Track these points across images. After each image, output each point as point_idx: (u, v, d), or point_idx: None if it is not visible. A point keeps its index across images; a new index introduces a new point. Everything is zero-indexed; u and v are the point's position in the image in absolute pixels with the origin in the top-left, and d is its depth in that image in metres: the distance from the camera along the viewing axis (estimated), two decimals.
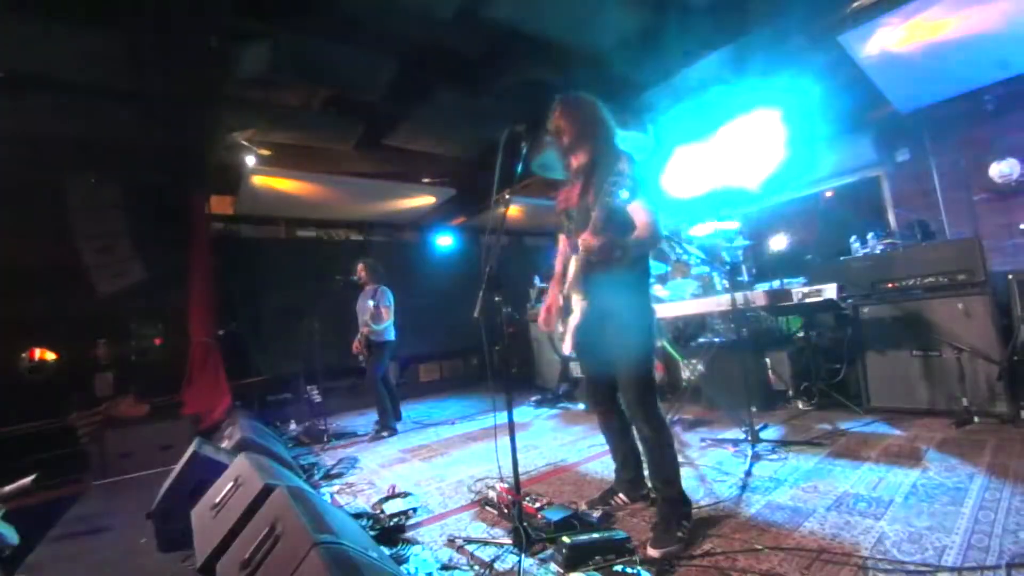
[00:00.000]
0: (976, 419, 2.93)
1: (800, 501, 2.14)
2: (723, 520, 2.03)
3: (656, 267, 4.50)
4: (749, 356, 3.71)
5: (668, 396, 4.38)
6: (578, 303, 1.95)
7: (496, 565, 1.87)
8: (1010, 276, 3.05)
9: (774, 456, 2.75)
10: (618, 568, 1.70)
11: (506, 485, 2.33)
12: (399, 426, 4.73)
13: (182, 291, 5.09)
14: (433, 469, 3.30)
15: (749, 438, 2.81)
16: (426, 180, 6.42)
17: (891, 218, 5.29)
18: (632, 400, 1.93)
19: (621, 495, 2.28)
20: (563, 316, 2.07)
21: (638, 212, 1.87)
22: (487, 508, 2.42)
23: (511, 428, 1.89)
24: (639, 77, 4.27)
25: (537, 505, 2.17)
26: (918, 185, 5.04)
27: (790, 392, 3.91)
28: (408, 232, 8.07)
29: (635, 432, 2.10)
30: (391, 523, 2.33)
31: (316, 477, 3.37)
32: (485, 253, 1.86)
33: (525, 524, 1.88)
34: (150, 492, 2.64)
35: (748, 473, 2.52)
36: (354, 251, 6.37)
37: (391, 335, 4.68)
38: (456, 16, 3.34)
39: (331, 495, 2.92)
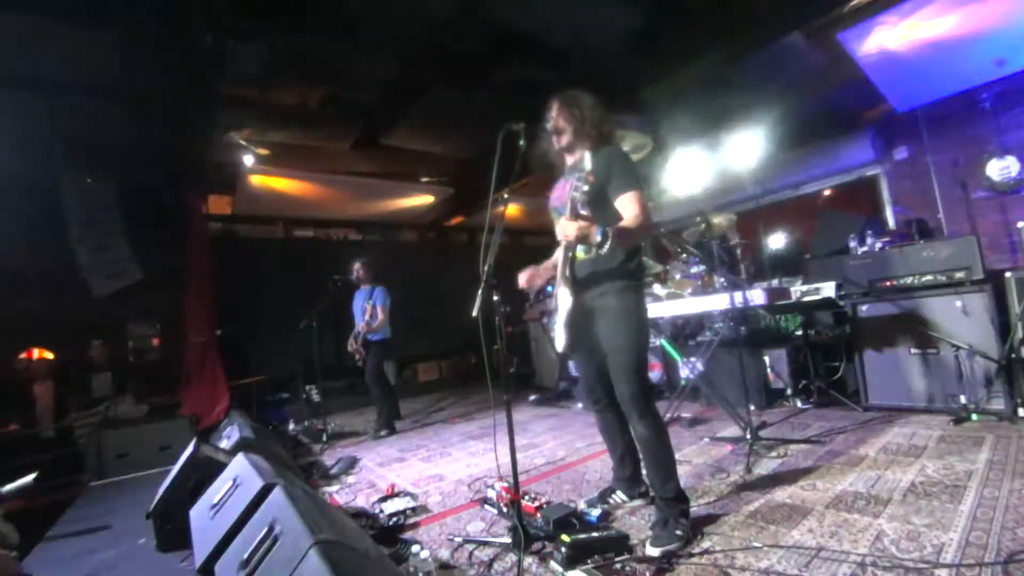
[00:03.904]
0: (974, 416, 2.93)
1: (799, 499, 2.14)
2: (722, 518, 2.03)
3: (655, 266, 4.50)
4: (748, 354, 3.72)
5: (667, 394, 4.39)
6: (566, 297, 1.94)
7: (495, 564, 1.87)
8: (1008, 274, 3.06)
9: (773, 454, 2.75)
10: (617, 566, 1.70)
11: (505, 484, 2.32)
12: (398, 425, 4.72)
13: (180, 291, 5.08)
14: (432, 468, 3.29)
15: (748, 436, 2.81)
16: (424, 179, 6.43)
17: (889, 216, 5.30)
18: (626, 399, 1.93)
19: (620, 493, 2.28)
20: (555, 312, 2.07)
21: (627, 205, 1.86)
22: (486, 507, 2.42)
23: (510, 427, 1.89)
24: (638, 76, 4.27)
25: (536, 504, 2.17)
26: (916, 183, 5.05)
27: (789, 390, 3.92)
28: (406, 231, 8.07)
29: (631, 431, 2.10)
30: (390, 522, 2.33)
31: (315, 477, 3.37)
32: (483, 252, 1.85)
33: (524, 523, 1.87)
34: (148, 492, 2.63)
35: (747, 471, 2.52)
36: (352, 251, 6.37)
37: (388, 333, 4.68)
38: (454, 15, 3.33)
39: (330, 495, 2.92)
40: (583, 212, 1.78)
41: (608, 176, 1.89)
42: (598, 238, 1.72)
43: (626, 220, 1.83)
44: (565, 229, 1.77)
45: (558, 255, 2.05)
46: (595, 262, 1.94)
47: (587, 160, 1.77)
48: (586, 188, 1.72)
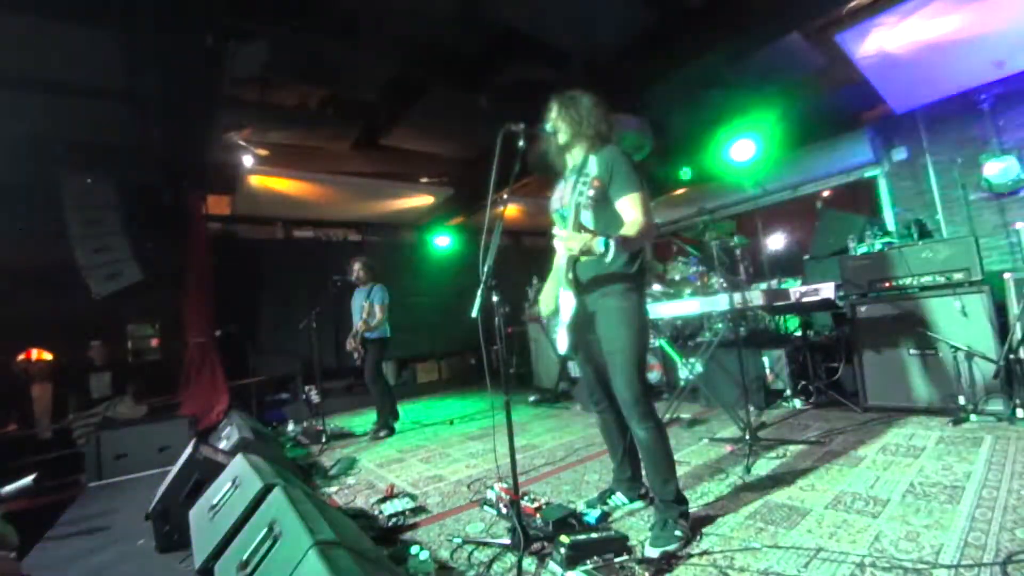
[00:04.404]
0: (973, 417, 2.94)
1: (798, 500, 2.14)
2: (721, 519, 2.04)
3: (655, 266, 4.51)
4: (747, 355, 3.72)
5: (666, 395, 4.39)
6: (569, 300, 1.94)
7: (495, 565, 1.87)
8: (1006, 275, 3.06)
9: (772, 455, 2.75)
10: (617, 567, 1.70)
11: (504, 485, 2.33)
12: (397, 426, 4.72)
13: (179, 292, 5.08)
14: (431, 469, 3.29)
15: (747, 437, 2.81)
16: (424, 180, 6.43)
17: (888, 217, 5.31)
18: (626, 401, 1.92)
19: (619, 495, 2.28)
20: (557, 314, 2.07)
21: (629, 208, 1.86)
22: (485, 508, 2.42)
23: (509, 428, 1.89)
24: (637, 76, 4.27)
25: (535, 505, 2.17)
26: (915, 184, 5.06)
27: (788, 391, 3.92)
28: (406, 232, 8.06)
29: (631, 432, 2.10)
30: (389, 523, 2.33)
31: (314, 478, 3.37)
32: (483, 253, 1.85)
33: (523, 524, 1.87)
34: (148, 493, 2.63)
35: (746, 472, 2.52)
36: (352, 251, 6.38)
37: (386, 331, 4.67)
38: (454, 15, 3.34)
39: (329, 496, 2.92)
40: (584, 222, 1.78)
41: (609, 178, 1.89)
42: (601, 248, 1.71)
43: (628, 225, 1.83)
44: (568, 241, 1.77)
45: (559, 259, 2.04)
46: (598, 264, 1.93)
47: (592, 165, 1.77)
48: (591, 194, 1.71)
